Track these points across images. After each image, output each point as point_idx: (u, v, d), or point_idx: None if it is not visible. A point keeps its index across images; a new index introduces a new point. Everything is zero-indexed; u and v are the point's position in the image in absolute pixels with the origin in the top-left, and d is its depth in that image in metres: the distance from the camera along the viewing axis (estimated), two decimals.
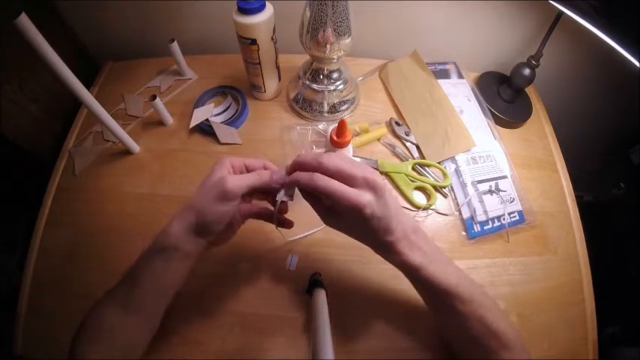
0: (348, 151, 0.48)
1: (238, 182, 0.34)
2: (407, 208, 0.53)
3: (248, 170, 0.38)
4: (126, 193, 0.54)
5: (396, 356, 0.42)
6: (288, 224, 0.41)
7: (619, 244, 0.70)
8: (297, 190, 0.37)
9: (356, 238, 0.36)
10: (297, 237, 0.49)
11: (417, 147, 0.58)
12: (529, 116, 0.63)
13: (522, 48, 0.66)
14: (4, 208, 0.59)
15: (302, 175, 0.33)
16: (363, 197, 0.30)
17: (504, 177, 0.55)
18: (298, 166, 0.34)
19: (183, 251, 0.35)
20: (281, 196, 0.37)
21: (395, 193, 0.54)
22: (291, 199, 0.39)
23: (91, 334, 0.35)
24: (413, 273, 0.35)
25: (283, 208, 0.40)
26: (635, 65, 0.40)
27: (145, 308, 0.36)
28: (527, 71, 0.58)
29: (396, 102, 0.62)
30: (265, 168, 0.38)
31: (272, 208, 0.38)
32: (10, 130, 0.53)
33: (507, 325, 0.35)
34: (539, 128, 0.63)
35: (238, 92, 0.62)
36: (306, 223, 0.50)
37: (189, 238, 0.34)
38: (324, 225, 0.49)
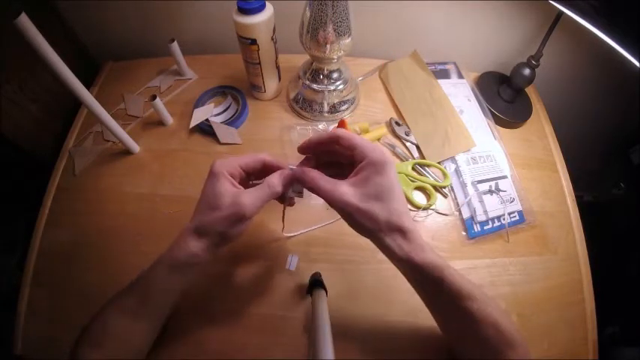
0: None
1: (252, 204, 0.33)
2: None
3: (245, 172, 0.37)
4: (126, 193, 0.54)
5: (396, 356, 0.42)
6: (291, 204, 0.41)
7: (619, 244, 0.70)
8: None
9: (370, 218, 0.32)
10: (297, 233, 0.49)
11: (417, 147, 0.58)
12: (529, 116, 0.63)
13: (522, 48, 0.66)
14: (4, 208, 0.59)
15: (324, 134, 0.35)
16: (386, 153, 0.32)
17: (504, 177, 0.55)
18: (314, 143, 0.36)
19: (202, 265, 0.35)
20: (290, 194, 0.37)
21: None
22: (301, 196, 0.39)
23: (97, 339, 0.35)
24: (434, 273, 0.33)
25: (291, 203, 0.40)
26: (635, 65, 0.40)
27: (155, 317, 0.37)
28: (527, 71, 0.58)
29: (396, 102, 0.62)
30: (265, 165, 0.37)
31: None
32: (10, 130, 0.53)
33: (510, 323, 0.35)
34: (539, 128, 0.63)
35: (238, 92, 0.62)
36: (306, 221, 0.50)
37: (208, 255, 0.35)
38: (324, 223, 0.49)
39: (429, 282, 0.34)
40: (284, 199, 0.38)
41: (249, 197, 0.33)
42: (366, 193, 0.32)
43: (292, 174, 0.36)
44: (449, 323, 0.38)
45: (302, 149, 0.37)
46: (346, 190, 0.32)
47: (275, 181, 0.35)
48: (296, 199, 0.40)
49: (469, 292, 0.33)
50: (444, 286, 0.33)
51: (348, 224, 0.34)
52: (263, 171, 0.38)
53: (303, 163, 0.37)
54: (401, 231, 0.32)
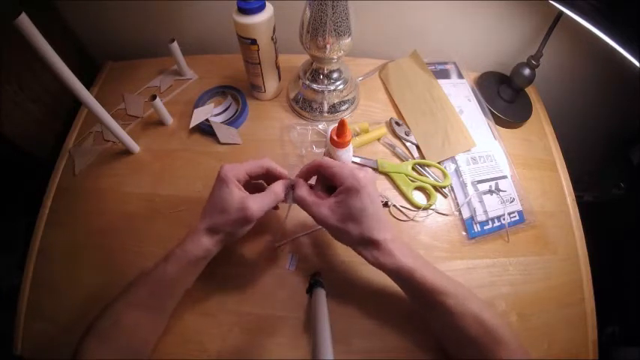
0: (349, 151, 0.48)
1: (259, 209, 0.38)
2: (407, 208, 0.53)
3: (251, 177, 0.41)
4: (126, 193, 0.54)
5: (396, 356, 0.42)
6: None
7: (619, 244, 0.70)
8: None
9: (345, 235, 0.37)
10: (286, 241, 0.49)
11: (417, 147, 0.58)
12: (529, 116, 0.63)
13: (522, 48, 0.66)
14: (4, 208, 0.59)
15: (309, 165, 0.40)
16: (359, 169, 0.38)
17: (504, 177, 0.55)
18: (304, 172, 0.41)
19: (210, 257, 0.40)
20: (290, 201, 0.41)
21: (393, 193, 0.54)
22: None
23: (106, 332, 0.35)
24: (405, 275, 0.36)
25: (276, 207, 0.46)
26: (635, 65, 0.40)
27: (165, 309, 0.39)
28: (527, 71, 0.58)
29: (396, 102, 0.62)
30: (268, 171, 0.41)
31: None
32: (10, 130, 0.53)
33: (495, 318, 0.36)
34: (539, 128, 0.63)
35: (238, 92, 0.62)
36: (306, 220, 0.50)
37: (219, 249, 0.40)
38: (319, 227, 0.50)
39: (403, 283, 0.38)
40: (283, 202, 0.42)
41: (255, 203, 0.37)
42: (342, 213, 0.37)
43: (290, 184, 0.41)
44: (433, 322, 0.40)
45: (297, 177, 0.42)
46: (326, 212, 0.37)
47: (279, 189, 0.40)
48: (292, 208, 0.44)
49: (443, 289, 0.36)
50: (415, 285, 0.36)
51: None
52: (265, 175, 0.42)
53: (302, 174, 0.42)
54: (373, 243, 0.37)
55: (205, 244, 0.38)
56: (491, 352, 0.34)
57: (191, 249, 0.37)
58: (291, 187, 0.41)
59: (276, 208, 0.46)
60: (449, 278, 0.38)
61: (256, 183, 0.45)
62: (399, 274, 0.37)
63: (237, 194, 0.37)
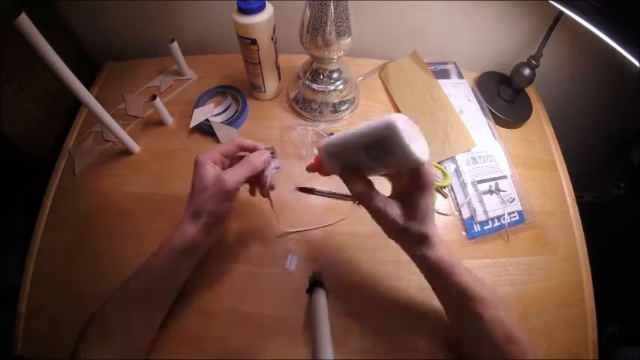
0: None
1: (235, 180, 0.37)
2: None
3: (227, 157, 0.41)
4: (126, 193, 0.54)
5: (396, 356, 0.42)
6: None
7: (619, 244, 0.70)
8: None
9: (393, 223, 0.35)
10: (295, 230, 0.49)
11: None
12: (529, 116, 0.63)
13: (522, 48, 0.66)
14: (4, 208, 0.59)
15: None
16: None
17: (504, 177, 0.55)
18: None
19: (201, 249, 0.39)
20: (270, 170, 0.41)
21: None
22: (279, 169, 0.43)
23: (102, 332, 0.35)
24: (444, 271, 0.35)
25: (271, 187, 0.44)
26: (635, 65, 0.40)
27: (159, 304, 0.39)
28: (527, 71, 0.58)
29: (396, 102, 0.62)
30: (241, 147, 0.41)
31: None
32: (10, 130, 0.53)
33: (521, 330, 0.35)
34: (539, 128, 0.63)
35: (238, 92, 0.62)
36: (306, 221, 0.50)
37: (205, 237, 0.38)
38: (324, 224, 0.49)
39: (437, 283, 0.37)
40: (263, 183, 0.42)
41: (230, 173, 0.38)
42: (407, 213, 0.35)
43: (269, 155, 0.40)
44: (457, 322, 0.39)
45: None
46: (397, 210, 0.34)
47: (253, 158, 0.39)
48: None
49: (476, 295, 0.35)
50: (450, 287, 0.35)
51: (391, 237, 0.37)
52: (241, 152, 0.42)
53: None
54: (426, 238, 0.36)
55: (190, 231, 0.37)
56: (506, 352, 0.34)
57: (177, 238, 0.37)
58: (270, 157, 0.41)
59: (263, 191, 0.44)
60: (485, 285, 0.37)
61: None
62: (436, 268, 0.36)
63: (211, 171, 0.38)
